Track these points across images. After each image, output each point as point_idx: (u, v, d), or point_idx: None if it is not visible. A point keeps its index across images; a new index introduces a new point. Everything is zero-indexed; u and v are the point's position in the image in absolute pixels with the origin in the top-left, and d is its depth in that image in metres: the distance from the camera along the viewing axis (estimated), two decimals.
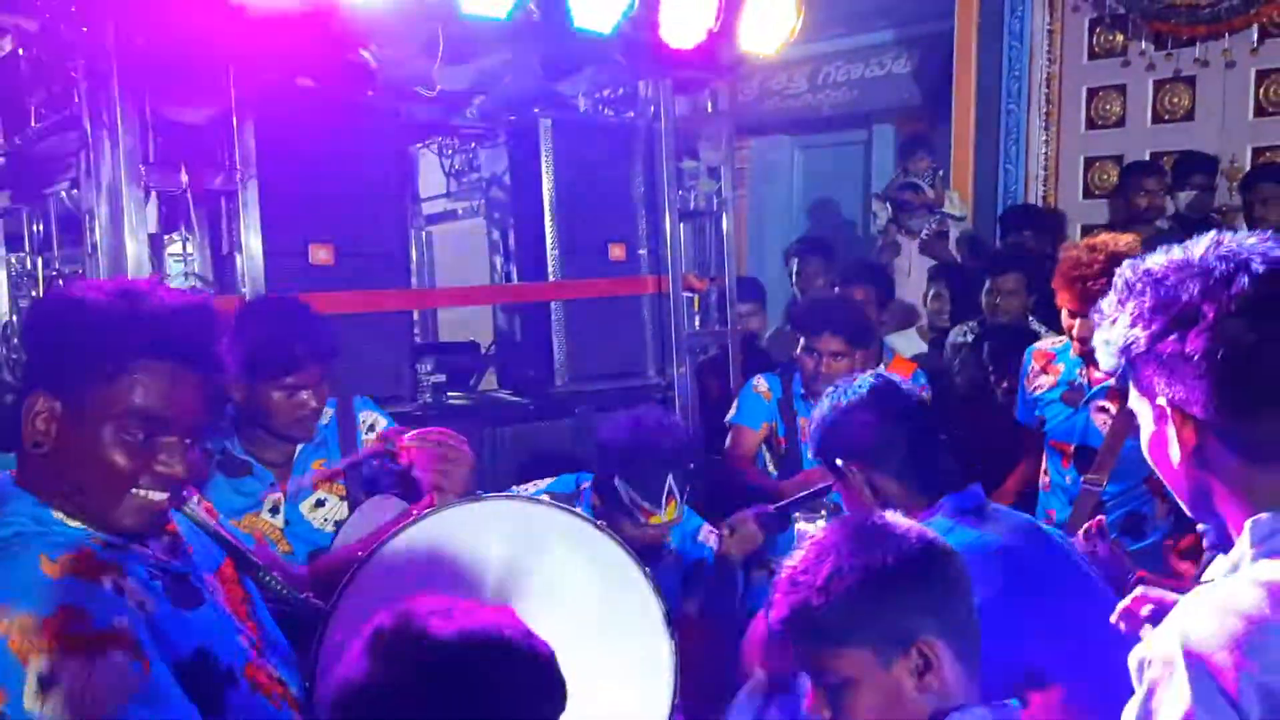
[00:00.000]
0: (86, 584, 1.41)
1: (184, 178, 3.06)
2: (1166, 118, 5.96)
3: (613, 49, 3.76)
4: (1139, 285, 1.23)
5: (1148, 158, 5.83)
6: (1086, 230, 6.19)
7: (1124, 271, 1.27)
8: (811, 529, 2.92)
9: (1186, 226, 5.11)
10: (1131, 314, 1.23)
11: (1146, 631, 1.26)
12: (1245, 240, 1.20)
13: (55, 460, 1.47)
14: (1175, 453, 1.22)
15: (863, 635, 1.39)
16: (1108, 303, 1.28)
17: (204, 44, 3.01)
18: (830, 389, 2.21)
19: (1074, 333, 3.23)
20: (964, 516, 2.03)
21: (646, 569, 1.91)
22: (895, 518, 1.50)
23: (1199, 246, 1.21)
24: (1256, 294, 1.14)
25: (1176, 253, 1.24)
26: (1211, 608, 1.12)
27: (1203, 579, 1.24)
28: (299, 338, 2.52)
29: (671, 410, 3.97)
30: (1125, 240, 3.18)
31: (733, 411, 3.86)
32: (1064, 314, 3.26)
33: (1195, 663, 1.07)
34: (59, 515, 1.49)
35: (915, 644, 1.38)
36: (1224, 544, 1.23)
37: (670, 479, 2.54)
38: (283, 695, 1.61)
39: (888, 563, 1.41)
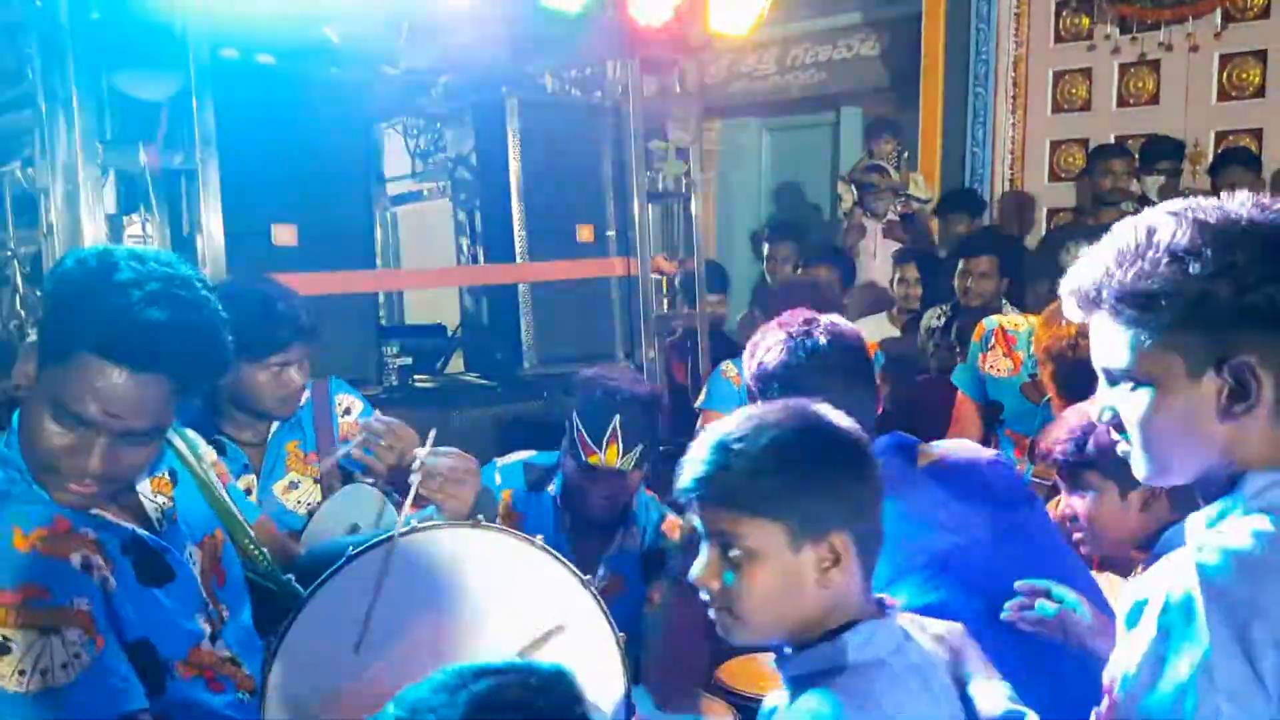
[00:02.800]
0: (53, 560, 1.41)
1: (142, 156, 3.00)
2: (1131, 101, 6.00)
3: (581, 28, 3.72)
4: (1199, 237, 1.14)
5: (1113, 141, 5.87)
6: (1053, 214, 6.24)
7: (1168, 222, 1.18)
8: None
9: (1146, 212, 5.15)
10: (1211, 262, 1.12)
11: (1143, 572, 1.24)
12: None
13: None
14: (1228, 412, 1.14)
15: (781, 510, 1.33)
16: (1145, 254, 1.18)
17: (162, 18, 2.96)
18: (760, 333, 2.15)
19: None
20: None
21: (613, 623, 1.86)
22: (838, 414, 1.45)
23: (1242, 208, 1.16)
24: None
25: (1222, 200, 1.18)
26: (1225, 552, 1.08)
27: (1188, 527, 1.21)
28: (286, 317, 2.50)
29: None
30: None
31: (702, 397, 3.85)
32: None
33: (1214, 605, 1.04)
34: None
35: (830, 536, 1.34)
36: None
37: (617, 422, 2.49)
38: (232, 674, 1.62)
39: (826, 448, 1.38)
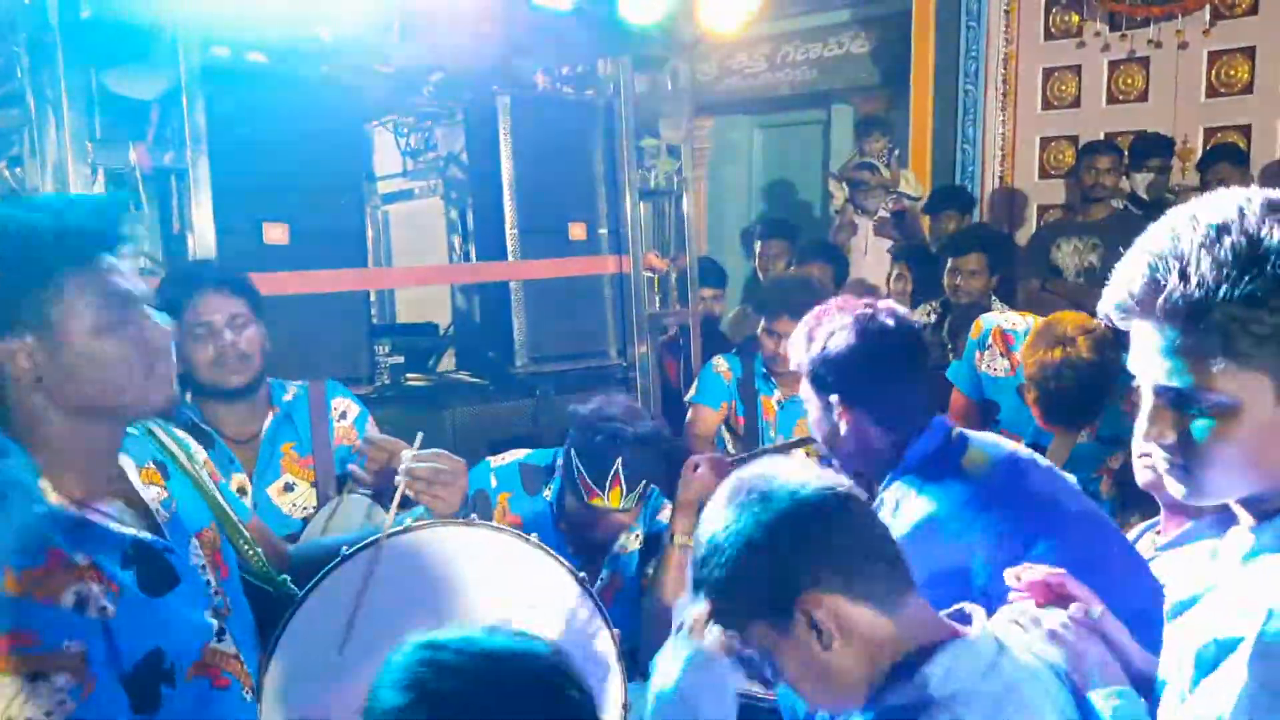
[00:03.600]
0: (43, 605, 1.38)
1: (132, 155, 2.99)
2: (1121, 98, 6.02)
3: (572, 26, 3.71)
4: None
5: (1102, 138, 5.88)
6: (1043, 210, 6.25)
7: (1240, 223, 1.05)
8: None
9: (1144, 208, 5.16)
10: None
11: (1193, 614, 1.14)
12: None
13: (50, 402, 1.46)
14: None
15: (755, 609, 1.33)
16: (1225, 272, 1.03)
17: (152, 17, 2.94)
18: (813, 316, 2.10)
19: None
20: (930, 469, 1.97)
21: (608, 618, 1.86)
22: (784, 468, 1.40)
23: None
24: None
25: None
26: None
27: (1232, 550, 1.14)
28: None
29: (637, 400, 3.94)
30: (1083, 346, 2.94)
31: (693, 390, 3.86)
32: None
33: None
34: (44, 483, 1.46)
35: (797, 606, 1.30)
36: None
37: (619, 464, 2.47)
38: (237, 672, 1.61)
39: (757, 532, 1.33)
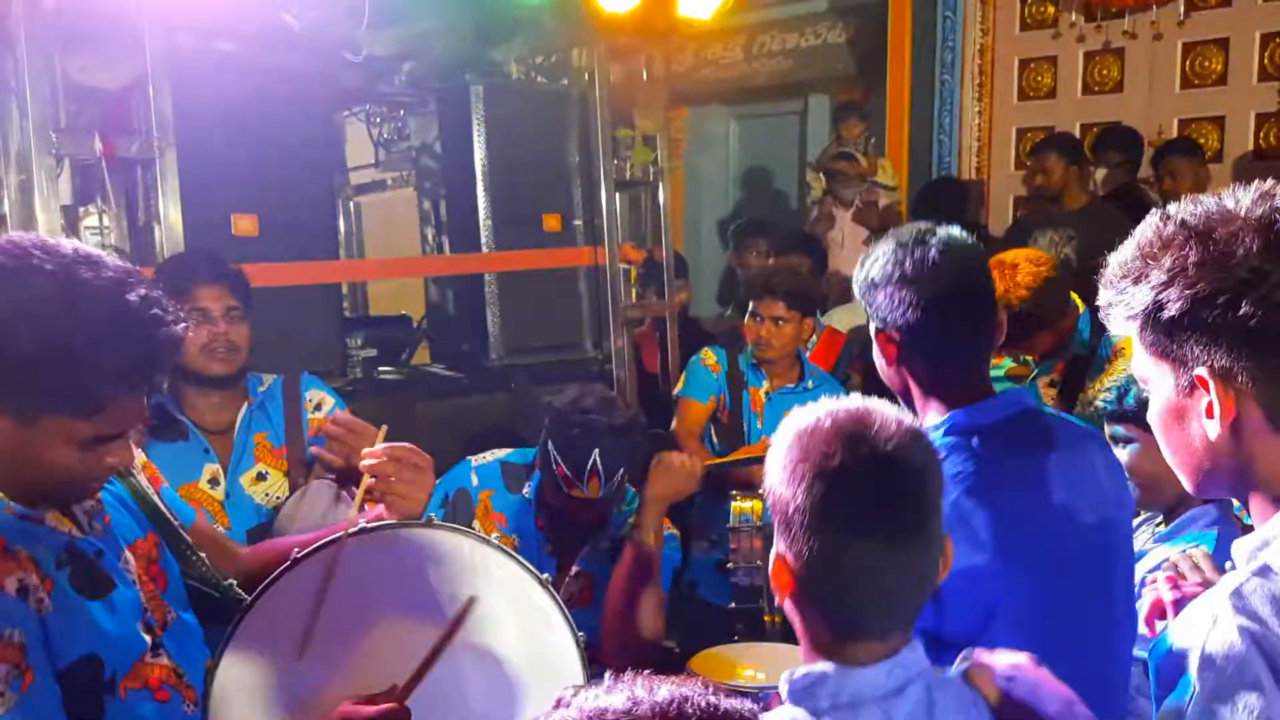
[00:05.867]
0: None
1: (98, 145, 2.94)
2: (1096, 89, 6.03)
3: (545, 14, 3.68)
4: (1177, 239, 1.08)
5: (1078, 129, 5.90)
6: (1018, 202, 6.26)
7: (1153, 223, 1.12)
8: (747, 507, 2.91)
9: (1114, 197, 5.17)
10: (1168, 271, 1.07)
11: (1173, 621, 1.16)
12: None
13: None
14: (1211, 426, 1.09)
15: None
16: (1124, 257, 1.13)
17: (117, 4, 2.89)
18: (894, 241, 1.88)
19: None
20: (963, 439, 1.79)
21: (571, 622, 1.82)
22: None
23: (1242, 198, 1.08)
24: None
25: (1209, 203, 1.10)
26: (1270, 602, 1.03)
27: (1234, 553, 1.16)
28: (189, 255, 2.55)
29: (613, 391, 3.91)
30: (1022, 277, 3.07)
31: (680, 384, 3.83)
32: None
33: (1263, 661, 1.00)
34: None
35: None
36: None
37: (596, 456, 2.46)
38: (175, 685, 1.57)
39: None
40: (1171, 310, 1.07)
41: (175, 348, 1.44)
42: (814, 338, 4.19)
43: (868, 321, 1.89)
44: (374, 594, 1.74)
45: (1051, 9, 6.08)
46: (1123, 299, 1.13)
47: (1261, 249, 1.04)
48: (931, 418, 1.80)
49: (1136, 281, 1.11)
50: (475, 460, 2.78)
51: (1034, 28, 6.18)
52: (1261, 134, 5.57)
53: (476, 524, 2.64)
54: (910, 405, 1.84)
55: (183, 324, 1.44)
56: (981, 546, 1.64)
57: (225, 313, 2.57)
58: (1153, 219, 1.13)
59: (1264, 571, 1.07)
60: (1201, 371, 1.09)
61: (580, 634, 1.81)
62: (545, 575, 1.81)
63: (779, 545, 1.26)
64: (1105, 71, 5.99)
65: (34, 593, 1.39)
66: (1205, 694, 1.01)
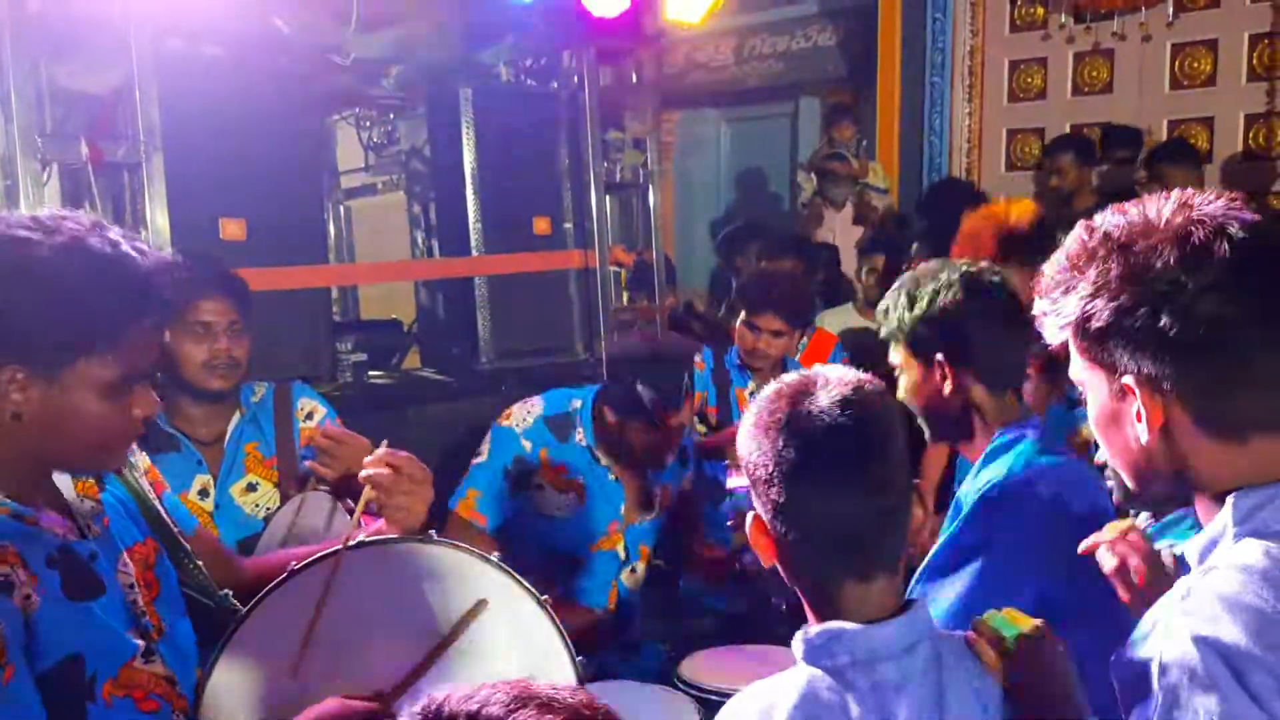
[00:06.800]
0: None
1: (84, 150, 2.92)
2: (1086, 90, 6.05)
3: (535, 17, 3.67)
4: (1100, 251, 1.12)
5: (1067, 130, 5.90)
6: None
7: (1079, 234, 1.16)
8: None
9: (1105, 199, 5.17)
10: (1093, 283, 1.12)
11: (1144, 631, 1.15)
12: (1208, 201, 1.11)
13: (17, 430, 1.42)
14: (1141, 430, 1.13)
15: None
16: (1055, 269, 1.18)
17: (103, 8, 2.88)
18: (911, 280, 2.07)
19: None
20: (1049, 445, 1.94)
21: (567, 639, 1.81)
22: None
23: (1163, 208, 1.12)
24: (1237, 262, 1.06)
25: (1134, 213, 1.13)
26: (1218, 602, 1.04)
27: (1176, 557, 1.20)
28: (198, 264, 2.47)
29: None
30: (1017, 212, 3.15)
31: None
32: None
33: (1217, 663, 1.01)
34: None
35: None
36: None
37: (686, 382, 2.72)
38: (166, 694, 1.55)
39: None
40: (1098, 321, 1.12)
41: (164, 270, 1.47)
42: (804, 339, 4.19)
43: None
44: (370, 609, 1.72)
45: (1041, 11, 6.10)
46: (1055, 309, 1.17)
47: (1178, 261, 1.07)
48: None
49: (1066, 292, 1.15)
50: (516, 426, 2.85)
51: (1023, 29, 6.19)
52: (1251, 135, 5.59)
53: (545, 481, 2.82)
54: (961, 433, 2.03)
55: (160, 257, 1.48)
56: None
57: (228, 327, 2.53)
58: (1079, 230, 1.17)
59: (1210, 571, 1.09)
60: (1128, 380, 1.12)
61: (580, 658, 1.79)
62: (545, 597, 1.79)
63: (756, 508, 1.34)
64: (1095, 73, 6.01)
65: (19, 589, 1.37)
66: (1167, 705, 1.03)
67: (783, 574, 1.35)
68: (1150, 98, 5.81)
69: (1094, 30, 5.90)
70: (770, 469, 1.29)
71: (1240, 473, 1.11)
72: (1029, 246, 3.02)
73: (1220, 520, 1.12)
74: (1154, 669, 1.05)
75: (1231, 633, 1.01)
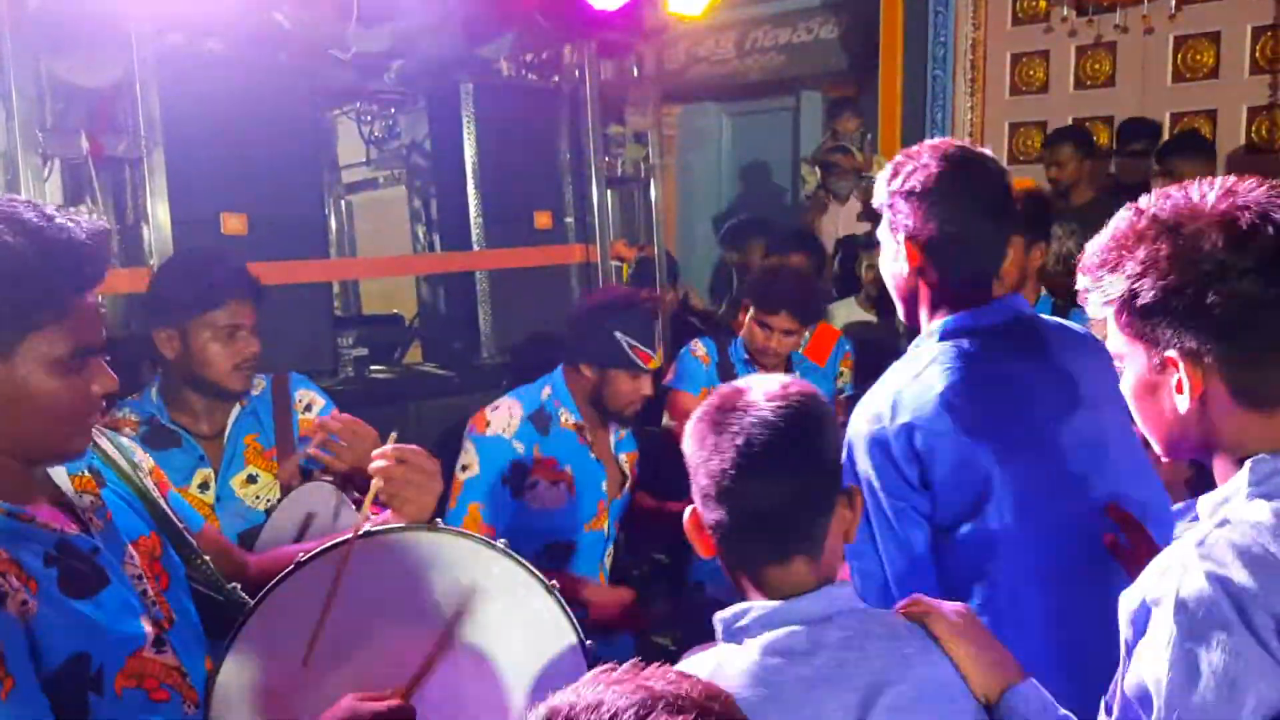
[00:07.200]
0: None
1: (85, 145, 2.92)
2: (1088, 83, 6.03)
3: (536, 11, 3.66)
4: (1150, 232, 1.21)
5: (1070, 123, 5.89)
6: None
7: (1127, 216, 1.24)
8: None
9: (1122, 190, 5.16)
10: (1141, 262, 1.20)
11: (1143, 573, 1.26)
12: (1251, 189, 1.20)
13: None
14: (1181, 400, 1.22)
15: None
16: (1101, 247, 1.26)
17: (104, 3, 2.87)
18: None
19: None
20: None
21: (576, 624, 1.82)
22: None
23: (1208, 193, 1.20)
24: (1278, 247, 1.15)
25: (1179, 197, 1.22)
26: (1229, 549, 1.15)
27: (1199, 508, 1.28)
28: (225, 266, 2.50)
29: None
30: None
31: (670, 376, 3.82)
32: None
33: (1226, 600, 1.11)
34: None
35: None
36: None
37: (657, 327, 2.87)
38: (177, 685, 1.55)
39: None
40: (1145, 298, 1.21)
41: (102, 239, 1.46)
42: (806, 333, 4.19)
43: (881, 228, 2.00)
44: (378, 599, 1.73)
45: (1043, 3, 6.07)
46: (1099, 285, 1.26)
47: (1225, 244, 1.16)
48: (934, 325, 1.93)
49: (1113, 270, 1.24)
50: (500, 433, 2.85)
51: (1025, 22, 6.17)
52: (1253, 128, 5.57)
53: (538, 478, 2.85)
54: (915, 311, 1.99)
55: (81, 224, 1.45)
56: (966, 431, 1.77)
57: (252, 329, 2.54)
58: (1127, 212, 1.26)
59: (1224, 524, 1.19)
60: (1172, 353, 1.21)
61: (590, 642, 1.80)
62: (552, 581, 1.79)
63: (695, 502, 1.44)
64: (1097, 66, 5.99)
65: (13, 596, 1.37)
66: (1183, 635, 1.12)
67: (721, 564, 1.44)
68: (1153, 91, 5.79)
69: (1096, 23, 5.88)
70: (703, 461, 1.39)
71: (1261, 440, 1.22)
72: (1027, 219, 3.14)
73: (1237, 481, 1.22)
74: (1168, 605, 1.14)
75: (1241, 576, 1.12)
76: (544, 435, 2.88)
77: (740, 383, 1.46)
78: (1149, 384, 1.27)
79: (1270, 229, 1.15)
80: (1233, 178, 1.22)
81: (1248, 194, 1.19)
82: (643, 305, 2.85)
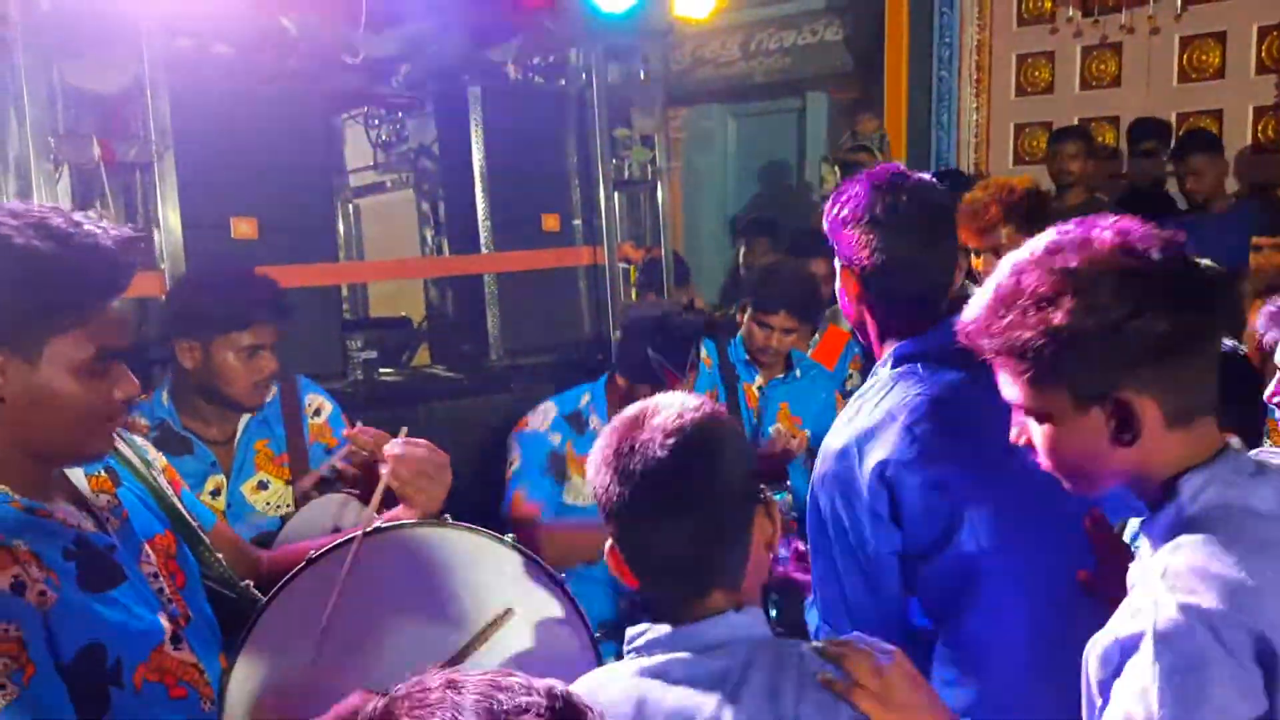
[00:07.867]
0: None
1: (96, 150, 2.93)
2: (1094, 84, 6.03)
3: (543, 14, 3.67)
4: (1051, 280, 1.24)
5: (1075, 124, 5.89)
6: None
7: (1022, 266, 1.27)
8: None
9: (1138, 192, 5.16)
10: (1053, 313, 1.22)
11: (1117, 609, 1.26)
12: (1136, 223, 1.26)
13: (2, 413, 1.43)
14: (1125, 436, 1.25)
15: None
16: (996, 304, 1.27)
17: (114, 8, 2.89)
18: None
19: (979, 270, 3.31)
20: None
21: (586, 620, 1.84)
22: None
23: (1101, 233, 1.25)
24: (1165, 281, 1.22)
25: (1075, 234, 1.26)
26: (1192, 575, 1.18)
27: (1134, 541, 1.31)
28: (256, 287, 2.52)
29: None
30: (1016, 181, 3.31)
31: None
32: (970, 256, 3.35)
33: (1201, 625, 1.14)
34: None
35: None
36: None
37: (693, 353, 2.93)
38: (194, 681, 1.57)
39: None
40: (1062, 347, 1.22)
41: (128, 246, 1.48)
42: (816, 335, 4.19)
43: (833, 257, 1.97)
44: (389, 594, 1.75)
45: (1049, 4, 6.08)
46: (1005, 340, 1.26)
47: (1123, 288, 1.21)
48: (886, 352, 1.91)
49: (1018, 326, 1.25)
50: (537, 428, 2.99)
51: (1031, 23, 6.18)
52: (1260, 127, 5.57)
53: (573, 472, 2.94)
54: (867, 338, 1.97)
55: (101, 230, 1.47)
56: (934, 458, 1.74)
57: (272, 348, 2.55)
58: (1013, 262, 1.29)
59: (1178, 549, 1.22)
60: (1125, 393, 1.23)
61: (596, 634, 1.81)
62: (561, 575, 1.81)
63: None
64: (1103, 66, 5.99)
65: (32, 587, 1.39)
66: (1166, 669, 1.14)
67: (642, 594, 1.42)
68: (1158, 91, 5.80)
69: (1102, 24, 5.88)
70: (608, 503, 1.35)
71: (1185, 456, 1.26)
72: (1028, 212, 3.24)
73: (1174, 504, 1.26)
74: (1148, 642, 1.15)
75: (1209, 599, 1.15)
76: (579, 435, 2.98)
77: (641, 409, 1.40)
78: (1068, 428, 1.28)
79: (1158, 256, 1.22)
80: (1115, 217, 1.27)
81: (1133, 230, 1.25)
82: (682, 327, 2.92)
